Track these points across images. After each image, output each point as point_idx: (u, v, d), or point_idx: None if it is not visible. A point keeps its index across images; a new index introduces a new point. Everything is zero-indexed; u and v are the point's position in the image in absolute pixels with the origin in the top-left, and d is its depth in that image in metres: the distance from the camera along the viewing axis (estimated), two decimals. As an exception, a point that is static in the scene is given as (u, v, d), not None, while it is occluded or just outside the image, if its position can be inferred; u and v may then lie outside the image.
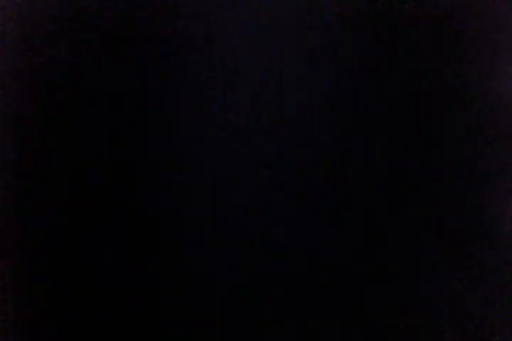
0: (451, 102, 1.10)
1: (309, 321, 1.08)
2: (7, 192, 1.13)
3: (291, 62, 1.10)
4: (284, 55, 1.10)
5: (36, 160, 1.12)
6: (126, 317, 1.09)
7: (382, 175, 1.09)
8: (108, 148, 1.10)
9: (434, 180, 1.09)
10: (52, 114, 1.12)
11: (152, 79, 1.10)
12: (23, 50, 1.13)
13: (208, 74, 1.10)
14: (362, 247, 1.08)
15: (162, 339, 1.08)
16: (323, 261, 1.08)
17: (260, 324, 1.08)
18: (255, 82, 1.10)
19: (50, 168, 1.12)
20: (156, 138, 1.10)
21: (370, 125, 1.09)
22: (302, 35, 1.10)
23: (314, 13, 1.10)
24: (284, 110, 1.10)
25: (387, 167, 1.09)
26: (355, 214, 1.08)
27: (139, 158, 1.10)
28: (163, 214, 1.09)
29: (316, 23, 1.10)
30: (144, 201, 1.09)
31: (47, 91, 1.12)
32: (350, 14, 1.10)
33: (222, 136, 1.10)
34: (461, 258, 1.08)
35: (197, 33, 1.10)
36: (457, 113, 1.10)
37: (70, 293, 1.10)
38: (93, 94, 1.11)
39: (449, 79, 1.10)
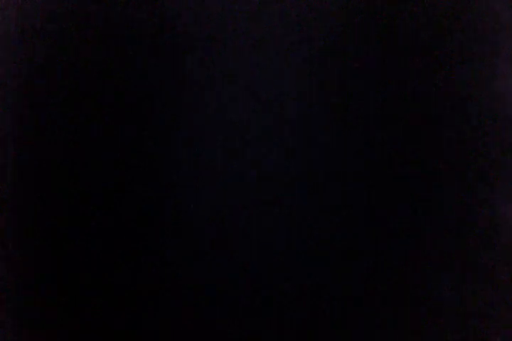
0: (451, 102, 1.10)
1: (309, 321, 1.08)
2: (7, 192, 1.13)
3: (292, 62, 1.10)
4: (285, 55, 1.10)
5: (36, 160, 1.12)
6: (126, 318, 1.09)
7: (381, 175, 1.09)
8: (108, 147, 1.10)
9: (434, 180, 1.09)
10: (52, 113, 1.12)
11: (152, 79, 1.11)
12: (23, 50, 1.13)
13: (208, 74, 1.10)
14: (361, 247, 1.08)
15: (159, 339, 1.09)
16: (323, 260, 1.08)
17: (260, 325, 1.08)
18: (255, 81, 1.10)
19: (50, 168, 1.12)
20: (156, 137, 1.10)
21: (370, 125, 1.09)
22: (302, 35, 1.10)
23: (314, 13, 1.10)
24: (285, 110, 1.10)
25: (387, 167, 1.09)
26: (354, 214, 1.08)
27: (139, 158, 1.10)
28: (163, 215, 1.09)
29: (316, 22, 1.10)
30: (145, 201, 1.10)
31: (47, 92, 1.12)
32: (350, 14, 1.10)
33: (222, 136, 1.10)
34: (461, 259, 1.08)
35: (197, 33, 1.11)
36: (457, 113, 1.10)
37: (71, 294, 1.10)
38: (93, 94, 1.11)
39: (449, 79, 1.10)
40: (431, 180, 1.09)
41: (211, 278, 1.09)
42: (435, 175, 1.09)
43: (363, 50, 1.10)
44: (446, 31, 1.11)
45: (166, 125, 1.10)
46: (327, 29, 1.10)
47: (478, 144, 1.10)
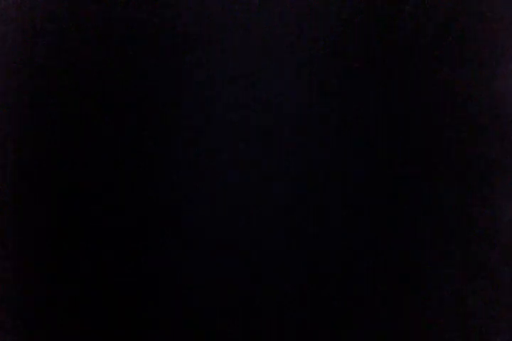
0: (451, 102, 1.10)
1: (309, 321, 1.08)
2: (7, 192, 1.13)
3: (292, 62, 1.10)
4: (285, 55, 1.10)
5: (36, 160, 1.12)
6: (127, 318, 1.09)
7: (382, 175, 1.09)
8: (108, 147, 1.10)
9: (435, 180, 1.09)
10: (52, 114, 1.12)
11: (152, 79, 1.11)
12: (23, 50, 1.13)
13: (207, 74, 1.10)
14: (361, 247, 1.08)
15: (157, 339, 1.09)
16: (322, 260, 1.08)
17: (260, 325, 1.08)
18: (255, 81, 1.10)
19: (50, 168, 1.12)
20: (156, 137, 1.10)
21: (369, 125, 1.09)
22: (302, 35, 1.10)
23: (314, 13, 1.10)
24: (285, 110, 1.10)
25: (388, 167, 1.09)
26: (354, 214, 1.08)
27: (139, 158, 1.10)
28: (162, 215, 1.09)
29: (315, 23, 1.10)
30: (145, 202, 1.10)
31: (47, 92, 1.12)
32: (350, 14, 1.10)
33: (222, 136, 1.10)
34: (461, 258, 1.08)
35: (197, 33, 1.11)
36: (458, 113, 1.10)
37: (71, 294, 1.10)
38: (93, 94, 1.11)
39: (449, 79, 1.10)
40: (431, 180, 1.09)
41: (211, 278, 1.09)
42: (435, 175, 1.09)
43: (363, 50, 1.10)
44: (446, 31, 1.11)
45: (166, 125, 1.10)
46: (327, 29, 1.10)
47: (478, 144, 1.10)
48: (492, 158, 1.10)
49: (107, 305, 1.09)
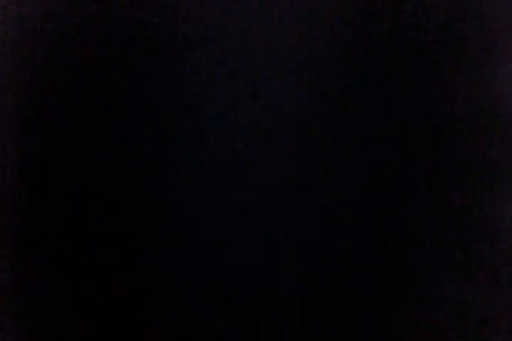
0: (451, 102, 1.10)
1: (310, 321, 1.08)
2: (7, 193, 1.13)
3: (292, 62, 1.10)
4: (285, 55, 1.10)
5: (36, 160, 1.12)
6: (127, 318, 1.09)
7: (382, 175, 1.09)
8: (108, 147, 1.10)
9: (435, 180, 1.09)
10: (52, 114, 1.12)
11: (152, 79, 1.11)
12: (23, 50, 1.13)
13: (207, 74, 1.10)
14: (362, 247, 1.08)
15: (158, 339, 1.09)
16: (322, 261, 1.08)
17: (261, 325, 1.08)
18: (255, 81, 1.10)
19: (50, 168, 1.12)
20: (156, 137, 1.10)
21: (370, 125, 1.09)
22: (302, 35, 1.10)
23: (314, 13, 1.10)
24: (284, 110, 1.10)
25: (388, 167, 1.09)
26: (355, 214, 1.08)
27: (139, 158, 1.10)
28: (162, 215, 1.09)
29: (315, 23, 1.10)
30: (145, 202, 1.10)
31: (47, 92, 1.12)
32: (349, 14, 1.10)
33: (222, 136, 1.10)
34: (461, 258, 1.08)
35: (197, 33, 1.11)
36: (458, 113, 1.10)
37: (71, 294, 1.10)
38: (93, 94, 1.11)
39: (449, 79, 1.10)
40: (431, 180, 1.09)
41: (211, 278, 1.09)
42: (435, 175, 1.09)
43: (363, 50, 1.10)
44: (446, 31, 1.11)
45: (166, 125, 1.10)
46: (327, 29, 1.10)
47: (478, 144, 1.10)
48: (492, 158, 1.10)
49: (107, 305, 1.09)
